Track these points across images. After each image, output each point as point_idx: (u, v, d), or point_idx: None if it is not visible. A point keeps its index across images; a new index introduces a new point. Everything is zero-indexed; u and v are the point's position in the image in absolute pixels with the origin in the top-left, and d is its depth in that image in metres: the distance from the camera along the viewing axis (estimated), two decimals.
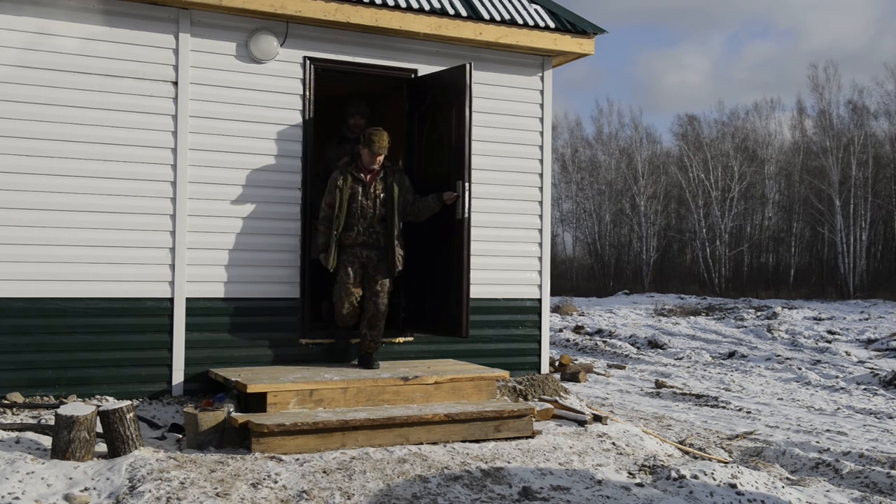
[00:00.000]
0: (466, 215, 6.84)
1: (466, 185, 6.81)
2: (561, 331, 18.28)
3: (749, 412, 9.41)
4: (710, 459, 6.24)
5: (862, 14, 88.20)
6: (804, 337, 17.46)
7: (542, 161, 7.95)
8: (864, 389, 11.46)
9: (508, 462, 5.49)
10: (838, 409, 10.00)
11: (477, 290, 7.31)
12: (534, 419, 6.43)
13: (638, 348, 15.87)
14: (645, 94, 76.60)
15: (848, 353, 15.06)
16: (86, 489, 4.63)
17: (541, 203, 7.92)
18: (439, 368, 6.82)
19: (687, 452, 6.55)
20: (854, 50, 70.89)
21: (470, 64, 6.91)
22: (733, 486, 5.14)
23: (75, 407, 5.16)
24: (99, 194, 6.42)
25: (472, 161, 6.94)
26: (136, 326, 6.52)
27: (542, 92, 7.95)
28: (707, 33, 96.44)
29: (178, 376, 6.62)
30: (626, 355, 14.89)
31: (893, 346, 16.05)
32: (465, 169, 6.80)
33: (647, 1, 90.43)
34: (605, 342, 16.34)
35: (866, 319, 21.85)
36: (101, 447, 5.19)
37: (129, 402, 5.28)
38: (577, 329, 18.83)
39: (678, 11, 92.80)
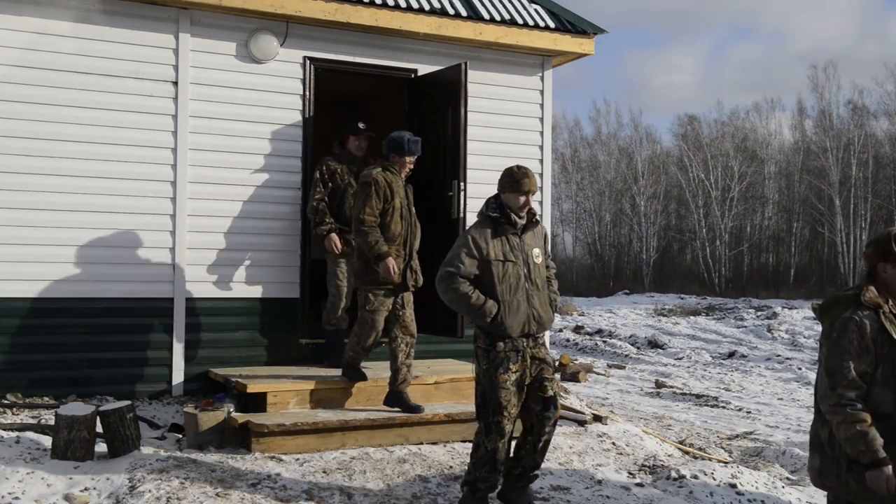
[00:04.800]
0: (462, 215, 6.84)
1: (462, 184, 6.81)
2: (561, 331, 18.26)
3: (749, 412, 9.40)
4: (710, 459, 6.24)
5: (846, 17, 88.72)
6: (804, 337, 17.44)
7: (542, 161, 7.95)
8: None
9: None
10: None
11: None
12: None
13: (638, 348, 15.86)
14: (636, 95, 77.03)
15: None
16: (86, 489, 4.62)
17: (541, 203, 7.92)
18: (439, 368, 6.82)
19: (687, 452, 6.54)
20: (839, 52, 71.42)
21: (465, 63, 6.91)
22: (733, 486, 5.14)
23: (75, 407, 5.16)
24: (99, 194, 6.42)
25: (468, 161, 6.93)
26: (136, 326, 6.51)
27: (542, 92, 7.95)
28: (693, 36, 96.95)
29: (178, 376, 6.62)
30: (626, 355, 14.88)
31: None
32: (460, 168, 6.79)
33: (632, 3, 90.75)
34: (604, 342, 16.34)
35: None
36: (101, 447, 5.19)
37: (129, 402, 5.29)
38: (577, 329, 18.82)
39: (662, 13, 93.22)
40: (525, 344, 4.48)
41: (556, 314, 4.88)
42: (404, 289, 5.92)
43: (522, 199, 4.49)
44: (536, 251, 4.57)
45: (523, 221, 4.53)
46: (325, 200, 6.55)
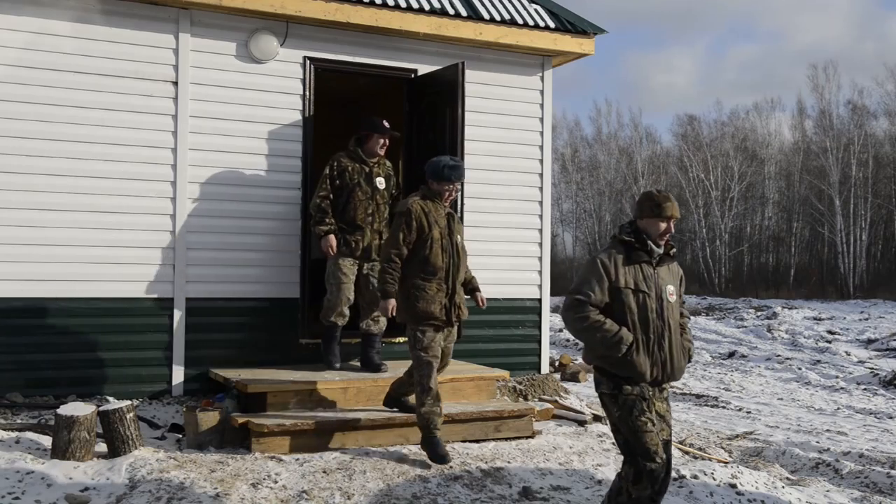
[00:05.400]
0: (460, 215, 6.84)
1: (459, 184, 6.80)
2: (561, 331, 18.24)
3: (749, 412, 9.41)
4: (710, 459, 6.24)
5: (846, 17, 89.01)
6: (804, 337, 17.45)
7: (542, 161, 7.95)
8: (864, 389, 11.46)
9: (508, 462, 5.49)
10: (838, 409, 10.00)
11: None
12: (534, 419, 6.43)
13: None
14: (636, 95, 77.19)
15: (848, 353, 15.05)
16: (86, 489, 4.62)
17: (541, 203, 7.92)
18: None
19: (687, 452, 6.54)
20: (839, 52, 71.74)
21: (462, 63, 6.92)
22: (733, 486, 5.14)
23: (75, 407, 5.16)
24: (99, 194, 6.42)
25: (466, 160, 6.91)
26: (136, 326, 6.51)
27: (542, 92, 7.94)
28: (692, 36, 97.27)
29: (178, 376, 6.62)
30: None
31: (893, 346, 16.04)
32: None
33: (632, 3, 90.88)
34: None
35: (866, 319, 21.83)
36: (101, 447, 5.19)
37: (129, 402, 5.28)
38: None
39: (662, 13, 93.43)
40: (651, 393, 3.99)
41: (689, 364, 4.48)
42: (448, 324, 5.66)
43: (664, 225, 4.02)
44: (671, 288, 4.08)
45: (661, 251, 4.06)
46: (329, 199, 6.47)
